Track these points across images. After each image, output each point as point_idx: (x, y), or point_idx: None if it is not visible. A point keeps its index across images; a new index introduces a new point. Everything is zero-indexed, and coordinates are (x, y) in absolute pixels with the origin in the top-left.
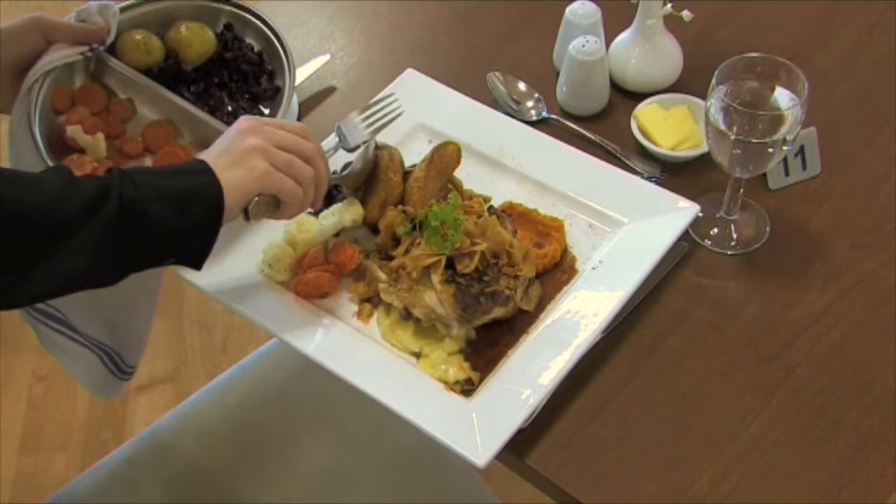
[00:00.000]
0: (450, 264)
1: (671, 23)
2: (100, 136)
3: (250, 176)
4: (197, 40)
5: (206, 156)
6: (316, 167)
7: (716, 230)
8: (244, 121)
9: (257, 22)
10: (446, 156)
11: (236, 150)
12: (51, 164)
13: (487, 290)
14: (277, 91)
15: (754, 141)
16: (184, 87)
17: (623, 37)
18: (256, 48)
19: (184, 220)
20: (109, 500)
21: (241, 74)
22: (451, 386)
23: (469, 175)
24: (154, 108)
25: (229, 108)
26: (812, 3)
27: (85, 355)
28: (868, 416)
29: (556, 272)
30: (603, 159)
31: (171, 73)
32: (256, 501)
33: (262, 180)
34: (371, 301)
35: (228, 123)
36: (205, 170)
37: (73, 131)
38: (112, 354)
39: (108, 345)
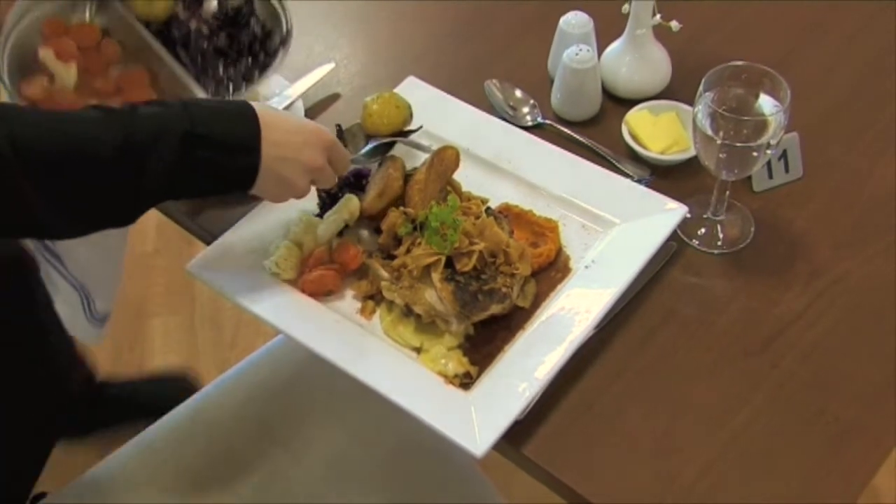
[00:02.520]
0: (449, 263)
1: (660, 33)
2: (72, 65)
3: (288, 190)
4: None
5: (272, 129)
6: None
7: (703, 230)
8: (324, 134)
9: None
10: (446, 159)
11: (297, 157)
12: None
13: (485, 288)
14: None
15: (739, 145)
16: (181, 47)
17: (614, 46)
18: (262, 23)
19: (220, 184)
20: (124, 487)
21: (241, 45)
22: (451, 379)
23: (467, 177)
24: (140, 57)
25: (221, 74)
26: (794, 14)
27: (71, 295)
28: (848, 407)
29: (551, 271)
30: (595, 163)
31: (171, 30)
32: (264, 492)
33: (294, 195)
34: (374, 298)
35: (217, 92)
36: (252, 148)
37: (45, 54)
38: (87, 297)
39: (84, 286)
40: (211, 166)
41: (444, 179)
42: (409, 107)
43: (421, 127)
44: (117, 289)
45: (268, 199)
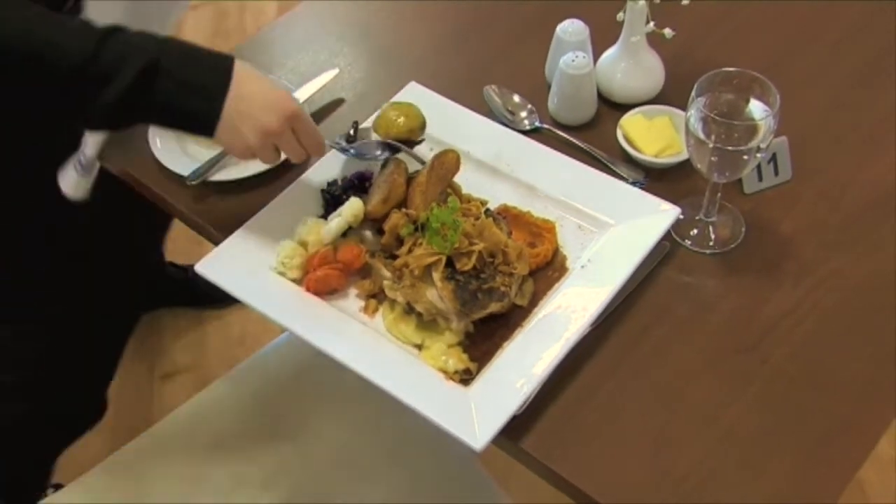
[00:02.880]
0: (449, 263)
1: (654, 40)
2: None
3: (241, 144)
4: None
5: (243, 84)
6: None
7: (695, 231)
8: (288, 103)
9: None
10: (447, 163)
11: (255, 115)
12: None
13: (484, 287)
14: None
15: (730, 149)
16: None
17: (609, 52)
18: None
19: (174, 120)
20: (135, 478)
21: None
22: (451, 375)
23: (467, 180)
24: None
25: None
26: (783, 22)
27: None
28: (836, 402)
29: (548, 270)
30: (591, 165)
31: None
32: (272, 483)
33: (246, 152)
34: (376, 297)
35: None
36: (212, 97)
37: None
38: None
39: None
40: (166, 101)
41: (445, 182)
42: (424, 121)
43: (423, 140)
44: (105, 136)
45: (226, 149)
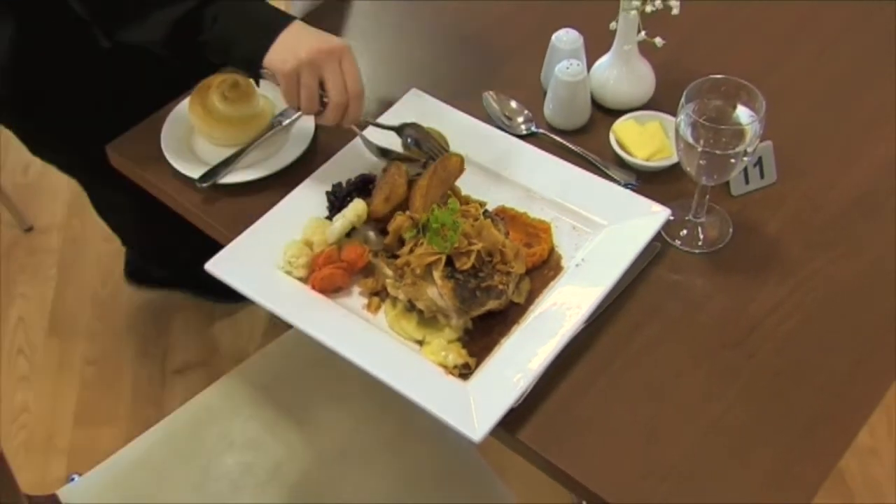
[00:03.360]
0: (449, 262)
1: (645, 48)
2: None
3: (290, 59)
4: None
5: (301, 27)
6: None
7: (685, 232)
8: (337, 42)
9: None
10: (450, 167)
11: (314, 38)
12: None
13: (483, 285)
14: None
15: (718, 153)
16: None
17: (603, 60)
18: None
19: (229, 55)
20: (150, 467)
21: None
22: (451, 370)
23: (466, 182)
24: None
25: None
26: (768, 31)
27: None
28: (818, 396)
29: (544, 269)
30: (585, 169)
31: None
32: (280, 470)
33: (288, 76)
34: (379, 295)
35: None
36: (252, 60)
37: None
38: None
39: None
40: (222, 35)
41: (447, 185)
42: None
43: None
44: None
45: (274, 70)
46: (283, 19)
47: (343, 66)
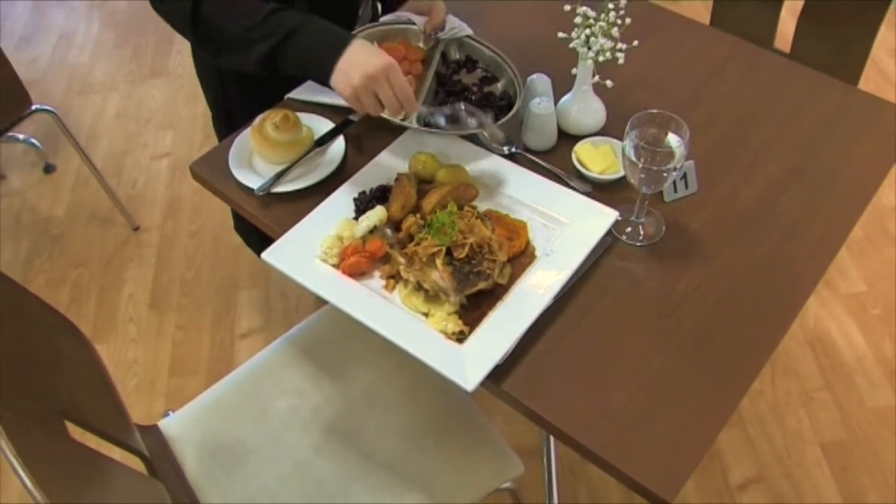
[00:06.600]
0: (448, 252)
1: (599, 88)
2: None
3: (347, 85)
4: None
5: (357, 47)
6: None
7: (629, 229)
8: (388, 58)
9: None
10: (467, 194)
11: (363, 62)
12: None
13: (475, 270)
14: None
15: (655, 168)
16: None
17: (566, 97)
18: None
19: (305, 72)
20: (222, 407)
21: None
22: (450, 336)
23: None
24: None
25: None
26: (692, 78)
27: None
28: (728, 353)
29: (522, 258)
30: (553, 180)
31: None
32: (321, 412)
33: (351, 96)
34: (394, 277)
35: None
36: (334, 52)
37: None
38: None
39: None
40: (300, 54)
41: (460, 203)
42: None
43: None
44: None
45: (338, 92)
46: (340, 44)
47: (391, 80)
